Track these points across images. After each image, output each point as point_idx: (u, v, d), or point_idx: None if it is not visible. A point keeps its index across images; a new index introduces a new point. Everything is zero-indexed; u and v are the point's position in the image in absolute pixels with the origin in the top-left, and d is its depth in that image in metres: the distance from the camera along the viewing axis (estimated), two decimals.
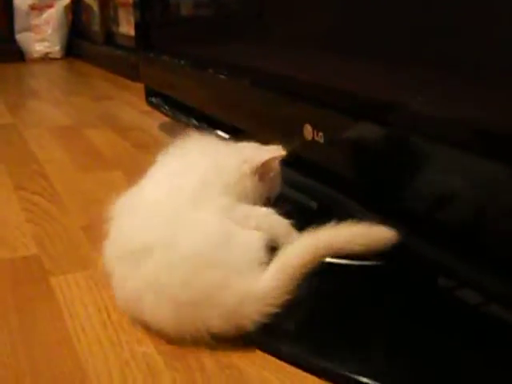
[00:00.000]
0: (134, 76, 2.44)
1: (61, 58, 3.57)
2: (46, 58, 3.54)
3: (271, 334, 0.65)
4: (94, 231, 1.04)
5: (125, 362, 0.66)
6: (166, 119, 1.71)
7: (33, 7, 3.48)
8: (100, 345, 0.69)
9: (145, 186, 0.76)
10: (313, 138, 0.84)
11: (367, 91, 0.74)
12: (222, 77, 1.18)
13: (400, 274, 0.76)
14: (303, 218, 0.72)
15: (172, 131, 1.70)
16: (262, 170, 0.77)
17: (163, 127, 1.77)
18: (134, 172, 1.38)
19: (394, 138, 0.68)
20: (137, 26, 1.68)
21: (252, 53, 1.08)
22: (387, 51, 0.70)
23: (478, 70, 0.56)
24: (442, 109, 0.61)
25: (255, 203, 0.76)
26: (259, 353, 0.66)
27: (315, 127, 0.84)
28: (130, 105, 2.17)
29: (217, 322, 0.61)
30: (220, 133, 1.25)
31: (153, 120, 1.85)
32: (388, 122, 0.69)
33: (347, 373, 0.60)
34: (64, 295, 0.81)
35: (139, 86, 1.80)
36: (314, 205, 0.79)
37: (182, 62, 1.41)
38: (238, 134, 1.12)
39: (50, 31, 3.51)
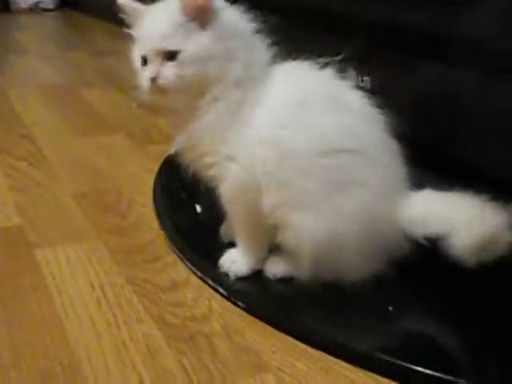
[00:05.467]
0: None
1: (54, 9, 3.67)
2: (36, 9, 3.65)
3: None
4: (88, 200, 1.11)
5: (121, 343, 0.69)
6: None
7: None
8: (92, 324, 0.73)
9: None
10: None
11: None
12: None
13: None
14: None
15: None
16: None
17: None
18: (139, 136, 1.46)
19: None
20: None
21: None
22: None
23: None
24: None
25: None
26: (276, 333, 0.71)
27: None
28: None
29: None
30: None
31: None
32: None
33: None
34: (51, 270, 0.86)
35: None
36: None
37: None
38: None
39: None
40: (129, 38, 0.80)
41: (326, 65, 0.79)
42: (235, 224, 0.82)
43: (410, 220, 0.75)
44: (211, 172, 0.79)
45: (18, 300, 0.79)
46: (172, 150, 0.83)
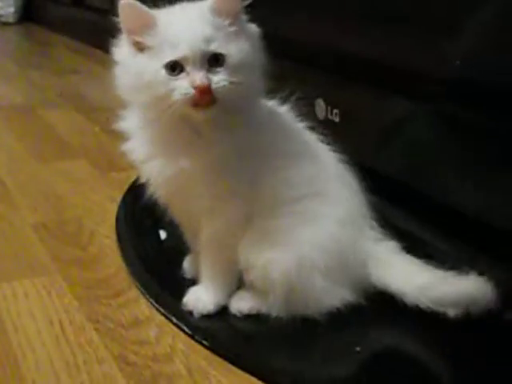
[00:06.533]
0: (107, 46, 2.50)
1: (15, 23, 3.66)
2: None
3: None
4: (48, 230, 1.11)
5: None
6: None
7: None
8: (51, 364, 0.73)
9: None
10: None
11: None
12: None
13: None
14: None
15: None
16: None
17: None
18: (103, 162, 1.46)
19: None
20: None
21: None
22: None
23: None
24: None
25: None
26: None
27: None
28: (102, 80, 2.22)
29: None
30: None
31: None
32: None
33: None
34: (8, 305, 0.86)
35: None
36: None
37: None
38: None
39: None
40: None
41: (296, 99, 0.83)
42: (211, 258, 0.82)
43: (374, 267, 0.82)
44: (202, 204, 0.77)
45: None
46: (143, 179, 0.82)
